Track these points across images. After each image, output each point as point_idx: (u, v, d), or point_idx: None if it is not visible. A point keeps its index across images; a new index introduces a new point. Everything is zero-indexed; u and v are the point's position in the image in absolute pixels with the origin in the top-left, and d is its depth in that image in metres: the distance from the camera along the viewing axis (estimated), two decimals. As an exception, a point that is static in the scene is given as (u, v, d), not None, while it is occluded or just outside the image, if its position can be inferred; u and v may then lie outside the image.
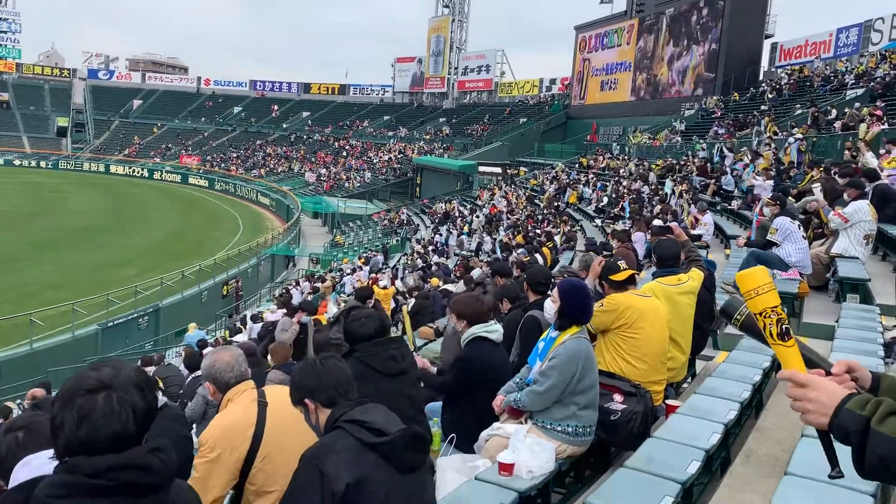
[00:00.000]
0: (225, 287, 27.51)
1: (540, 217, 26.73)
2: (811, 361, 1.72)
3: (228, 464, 2.93)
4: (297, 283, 26.84)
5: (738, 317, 1.87)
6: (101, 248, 33.69)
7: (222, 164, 71.26)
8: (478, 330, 4.59)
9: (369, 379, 3.53)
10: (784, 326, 1.74)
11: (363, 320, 3.93)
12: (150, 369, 11.79)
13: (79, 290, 23.09)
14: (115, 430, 1.66)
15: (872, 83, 26.29)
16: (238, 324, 21.17)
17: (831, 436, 1.58)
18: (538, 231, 22.44)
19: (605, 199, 24.66)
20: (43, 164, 73.72)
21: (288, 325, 10.29)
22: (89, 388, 1.68)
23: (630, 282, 4.92)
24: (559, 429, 3.93)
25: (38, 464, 1.99)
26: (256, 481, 2.99)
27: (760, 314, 1.76)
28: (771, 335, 1.74)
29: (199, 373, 7.19)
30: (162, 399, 5.41)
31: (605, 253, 9.92)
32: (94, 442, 1.65)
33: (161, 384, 7.82)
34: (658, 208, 17.67)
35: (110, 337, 20.43)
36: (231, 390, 3.18)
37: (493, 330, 4.64)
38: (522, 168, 48.62)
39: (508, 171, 49.20)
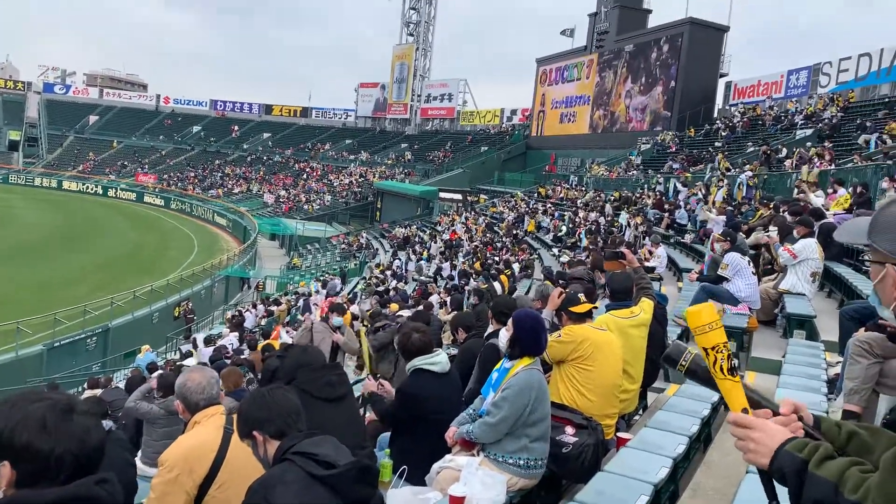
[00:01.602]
0: (177, 308, 26.98)
1: (499, 244, 26.91)
2: (758, 402, 1.75)
3: (185, 485, 2.90)
4: (254, 306, 26.46)
5: (683, 362, 1.89)
6: (50, 266, 32.77)
7: (179, 184, 70.16)
8: (419, 362, 4.55)
9: (309, 406, 3.51)
10: (733, 362, 1.78)
11: (305, 351, 4.15)
12: (97, 392, 11.47)
13: (24, 309, 22.38)
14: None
15: (820, 124, 27.30)
16: (191, 347, 20.74)
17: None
18: (496, 258, 22.58)
19: (563, 229, 24.95)
20: (-8, 177, 71.80)
21: (327, 332, 9.81)
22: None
23: (588, 315, 4.98)
24: (511, 461, 3.92)
25: None
26: None
27: (712, 349, 1.78)
28: (721, 370, 1.76)
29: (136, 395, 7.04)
30: (108, 423, 5.28)
31: (560, 282, 10.00)
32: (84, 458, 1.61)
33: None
34: (609, 240, 17.93)
35: (56, 358, 19.80)
36: (200, 413, 3.14)
37: (436, 361, 4.55)
38: (482, 195, 49.07)
39: (469, 197, 49.57)
